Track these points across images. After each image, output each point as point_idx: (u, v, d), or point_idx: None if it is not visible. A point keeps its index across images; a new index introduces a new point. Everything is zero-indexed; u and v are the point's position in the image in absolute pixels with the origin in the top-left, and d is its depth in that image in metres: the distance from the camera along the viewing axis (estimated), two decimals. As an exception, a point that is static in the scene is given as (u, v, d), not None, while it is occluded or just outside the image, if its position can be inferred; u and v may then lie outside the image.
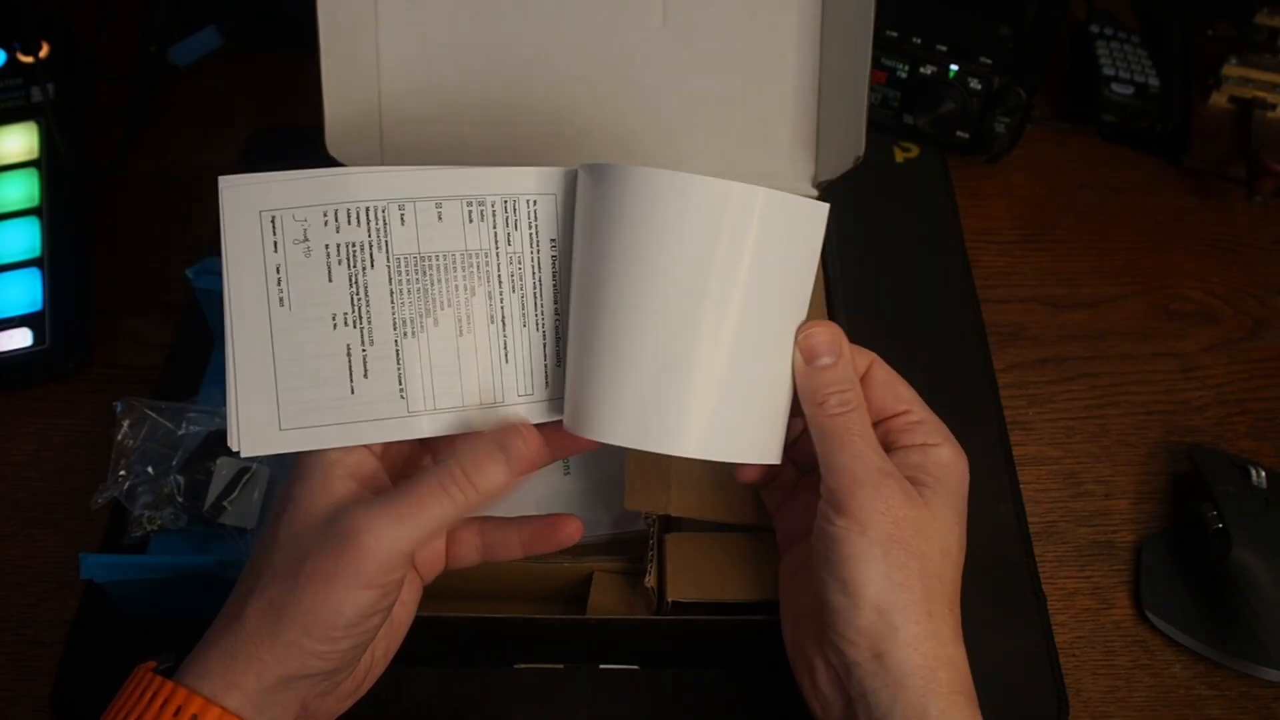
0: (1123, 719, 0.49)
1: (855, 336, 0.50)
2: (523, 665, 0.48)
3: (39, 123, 0.66)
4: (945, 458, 0.40)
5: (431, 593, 0.47)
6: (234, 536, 0.50)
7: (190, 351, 0.59)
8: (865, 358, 0.41)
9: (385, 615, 0.37)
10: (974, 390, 0.60)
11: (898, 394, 0.41)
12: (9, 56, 0.69)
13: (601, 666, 0.48)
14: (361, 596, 0.35)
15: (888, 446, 0.40)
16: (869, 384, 0.41)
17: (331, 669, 0.36)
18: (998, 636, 0.50)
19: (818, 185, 0.56)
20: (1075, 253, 0.67)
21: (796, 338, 0.39)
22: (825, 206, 0.38)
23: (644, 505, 0.44)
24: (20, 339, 0.58)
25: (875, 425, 0.40)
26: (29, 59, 0.68)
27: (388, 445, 0.39)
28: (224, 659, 0.35)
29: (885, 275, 0.64)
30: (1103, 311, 0.64)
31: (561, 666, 0.48)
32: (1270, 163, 0.67)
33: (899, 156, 0.71)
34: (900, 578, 0.36)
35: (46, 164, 0.64)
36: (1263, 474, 0.53)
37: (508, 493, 0.38)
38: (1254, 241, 0.68)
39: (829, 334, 0.39)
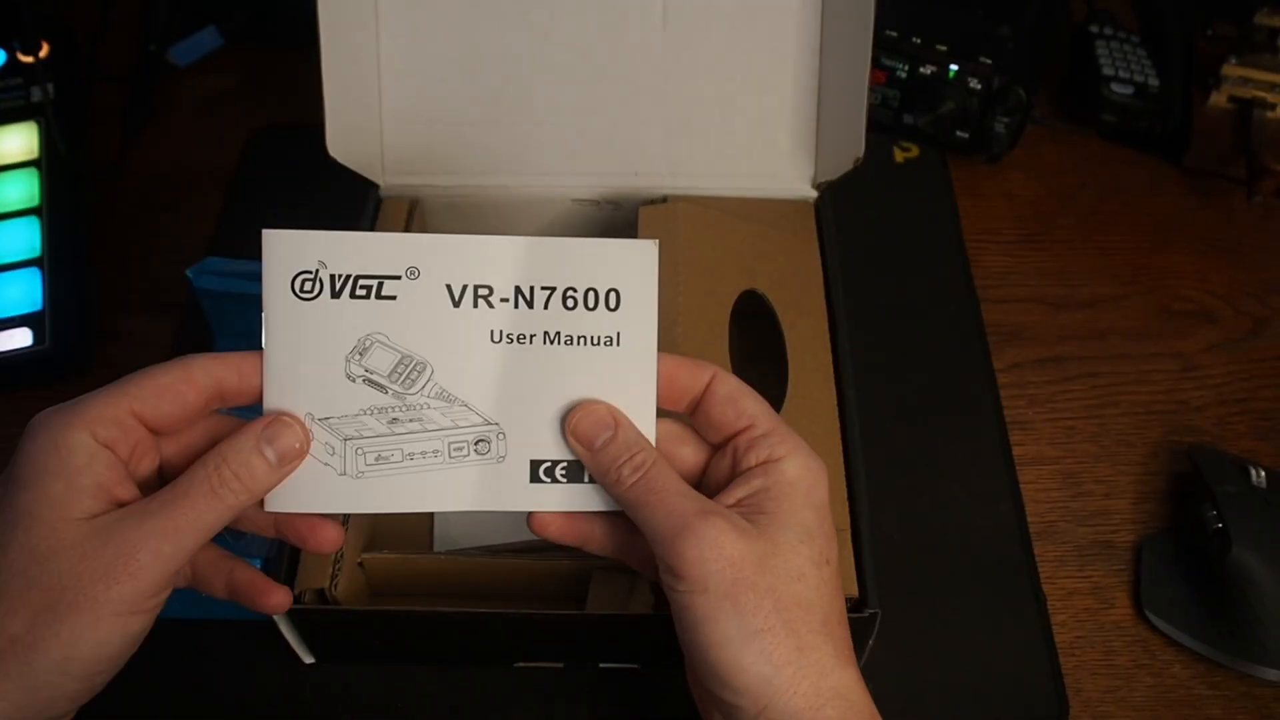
0: (1123, 719, 0.49)
1: (856, 336, 0.50)
2: (523, 665, 0.48)
3: (39, 123, 0.66)
4: (789, 473, 0.37)
5: (430, 591, 0.47)
6: (233, 536, 0.50)
7: (190, 351, 0.58)
8: (705, 372, 0.38)
9: (142, 639, 0.34)
10: (974, 390, 0.60)
11: (739, 409, 0.38)
12: (9, 56, 0.69)
13: (601, 666, 0.48)
14: (133, 623, 0.33)
15: (734, 468, 0.37)
16: (709, 402, 0.38)
17: (75, 708, 0.33)
18: (998, 637, 0.50)
19: (817, 186, 0.56)
20: (1075, 253, 0.67)
21: (565, 428, 0.37)
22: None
23: None
24: (20, 339, 0.58)
25: (723, 445, 0.38)
26: (29, 59, 0.68)
27: (130, 445, 0.35)
28: None
29: (885, 275, 0.64)
30: (1103, 311, 0.64)
31: (561, 666, 0.48)
32: (1270, 163, 0.67)
33: (899, 156, 0.71)
34: (757, 623, 0.34)
35: (46, 164, 0.64)
36: (1263, 474, 0.53)
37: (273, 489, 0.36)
38: (1254, 241, 0.68)
39: (594, 414, 0.37)
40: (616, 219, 0.57)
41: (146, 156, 0.70)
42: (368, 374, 0.37)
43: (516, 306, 0.37)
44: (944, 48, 0.67)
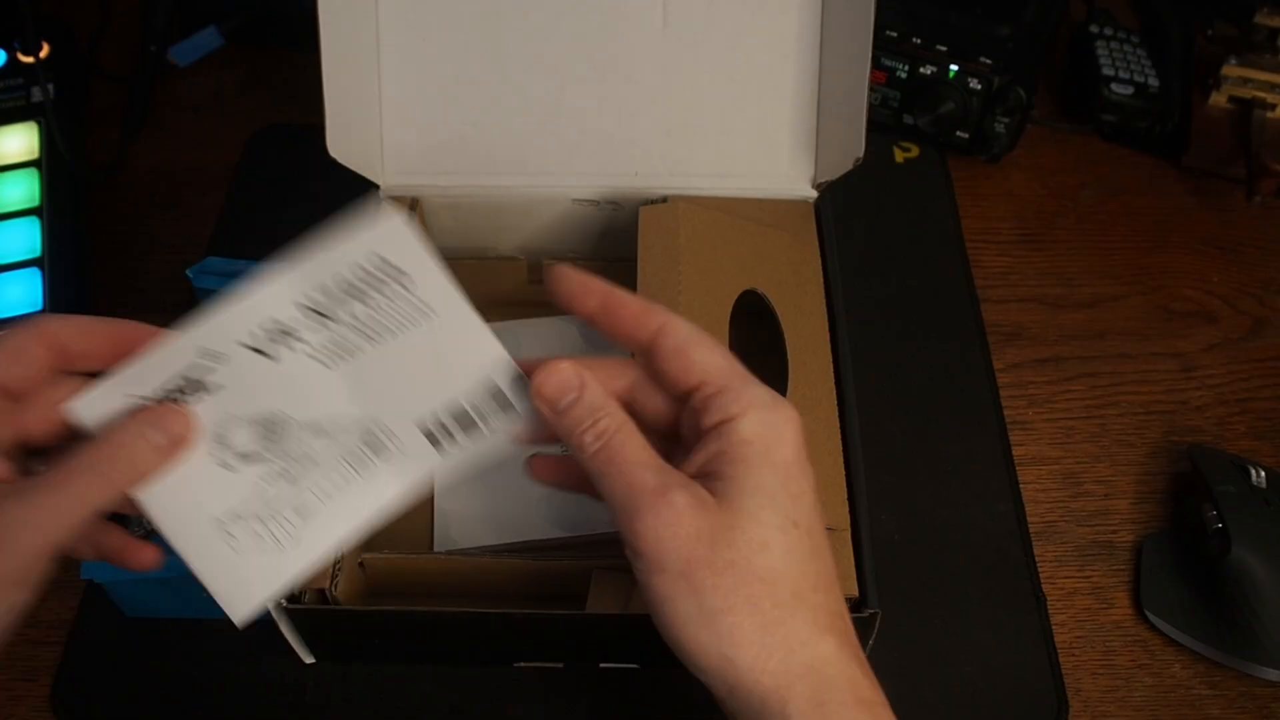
0: (1123, 719, 0.49)
1: (856, 336, 0.50)
2: (523, 664, 0.48)
3: (39, 123, 0.66)
4: (743, 432, 0.34)
5: (431, 592, 0.47)
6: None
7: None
8: (652, 320, 0.35)
9: (26, 611, 0.34)
10: (974, 390, 0.60)
11: (688, 363, 0.35)
12: (9, 56, 0.69)
13: (601, 665, 0.48)
14: (15, 599, 0.33)
15: (694, 434, 0.35)
16: (657, 355, 0.35)
17: None
18: (998, 636, 0.50)
19: (817, 186, 0.56)
20: (1075, 252, 0.67)
21: (531, 389, 0.36)
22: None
23: None
24: (20, 339, 0.58)
25: (683, 405, 0.36)
26: (29, 59, 0.68)
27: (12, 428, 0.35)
28: None
29: (885, 275, 0.64)
30: (1103, 311, 0.64)
31: (561, 666, 0.48)
32: (1270, 163, 0.67)
33: (899, 156, 0.71)
34: (716, 602, 0.32)
35: (46, 164, 0.64)
36: (1262, 474, 0.53)
37: (160, 474, 0.36)
38: (1254, 241, 0.68)
39: (559, 375, 0.35)
40: (616, 219, 0.57)
41: (146, 156, 0.70)
42: (239, 454, 0.37)
43: (320, 327, 0.37)
44: (944, 48, 0.67)
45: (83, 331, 0.36)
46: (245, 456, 0.38)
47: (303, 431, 0.38)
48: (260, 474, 0.38)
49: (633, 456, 0.34)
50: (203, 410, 0.37)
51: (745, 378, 0.35)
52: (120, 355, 0.36)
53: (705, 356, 0.35)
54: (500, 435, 0.39)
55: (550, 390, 0.35)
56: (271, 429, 0.38)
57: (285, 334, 0.37)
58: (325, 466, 0.38)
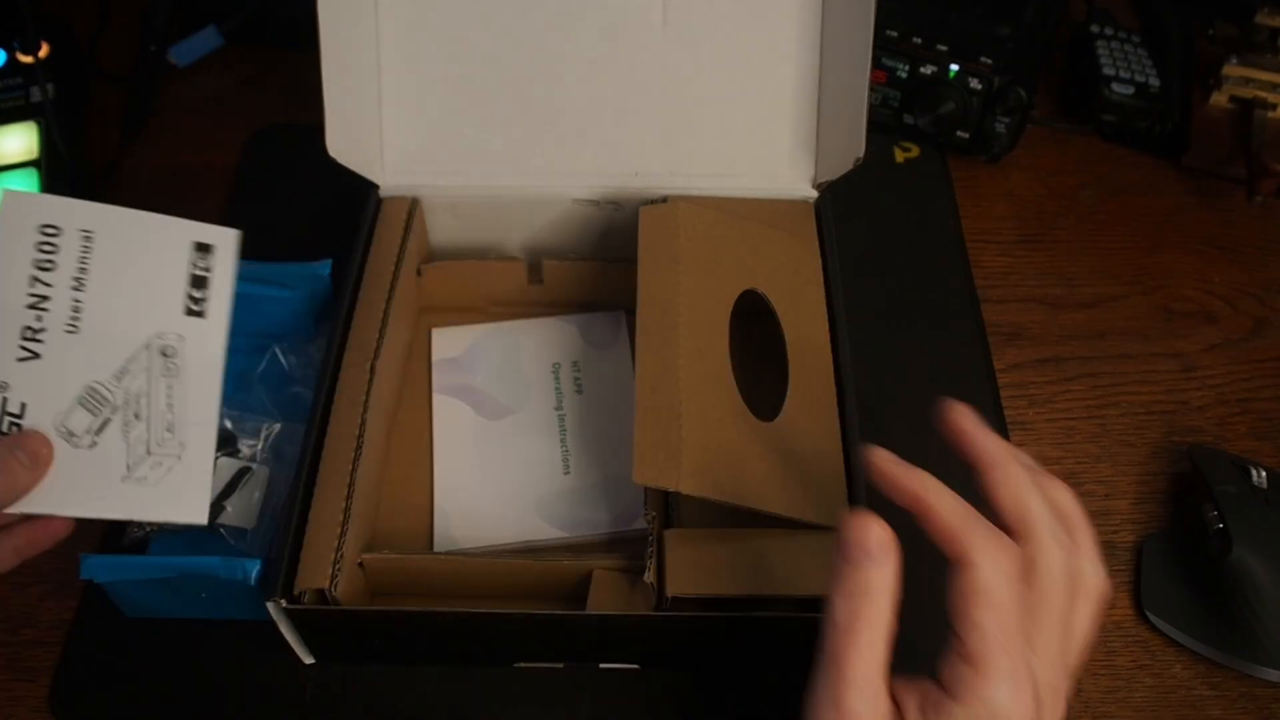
0: (1123, 719, 0.49)
1: (856, 336, 0.50)
2: (523, 664, 0.48)
3: (39, 123, 0.66)
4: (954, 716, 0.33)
5: (430, 592, 0.47)
6: (234, 536, 0.50)
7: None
8: (957, 549, 0.35)
9: None
10: (974, 390, 0.60)
11: (964, 614, 0.34)
12: (9, 56, 0.69)
13: (602, 666, 0.48)
14: None
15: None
16: (947, 583, 0.35)
17: None
18: (998, 636, 0.50)
19: (817, 186, 0.56)
20: (1075, 253, 0.67)
21: (842, 519, 0.35)
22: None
23: (653, 479, 0.43)
24: (20, 339, 0.58)
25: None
26: (29, 59, 0.68)
27: None
28: None
29: (885, 275, 0.64)
30: (1103, 311, 0.64)
31: (561, 666, 0.48)
32: (1270, 163, 0.67)
33: (899, 156, 0.71)
34: None
35: (46, 164, 0.64)
36: (1263, 474, 0.53)
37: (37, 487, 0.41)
38: (1254, 241, 0.68)
39: (872, 532, 0.35)
40: (616, 219, 0.57)
41: (146, 156, 0.70)
42: (90, 430, 0.44)
43: (47, 309, 0.44)
44: (944, 48, 0.67)
45: (20, 542, 0.43)
46: (96, 428, 0.43)
47: (113, 381, 0.44)
48: (117, 429, 0.44)
49: (863, 664, 0.34)
50: (37, 422, 0.43)
51: (1001, 655, 0.34)
52: (36, 548, 0.44)
53: (980, 618, 0.34)
54: (228, 264, 0.47)
55: (849, 536, 0.35)
56: (93, 397, 0.44)
57: (30, 330, 0.44)
58: (150, 388, 0.45)
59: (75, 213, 0.46)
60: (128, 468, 0.43)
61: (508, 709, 0.47)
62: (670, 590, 0.43)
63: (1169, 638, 0.51)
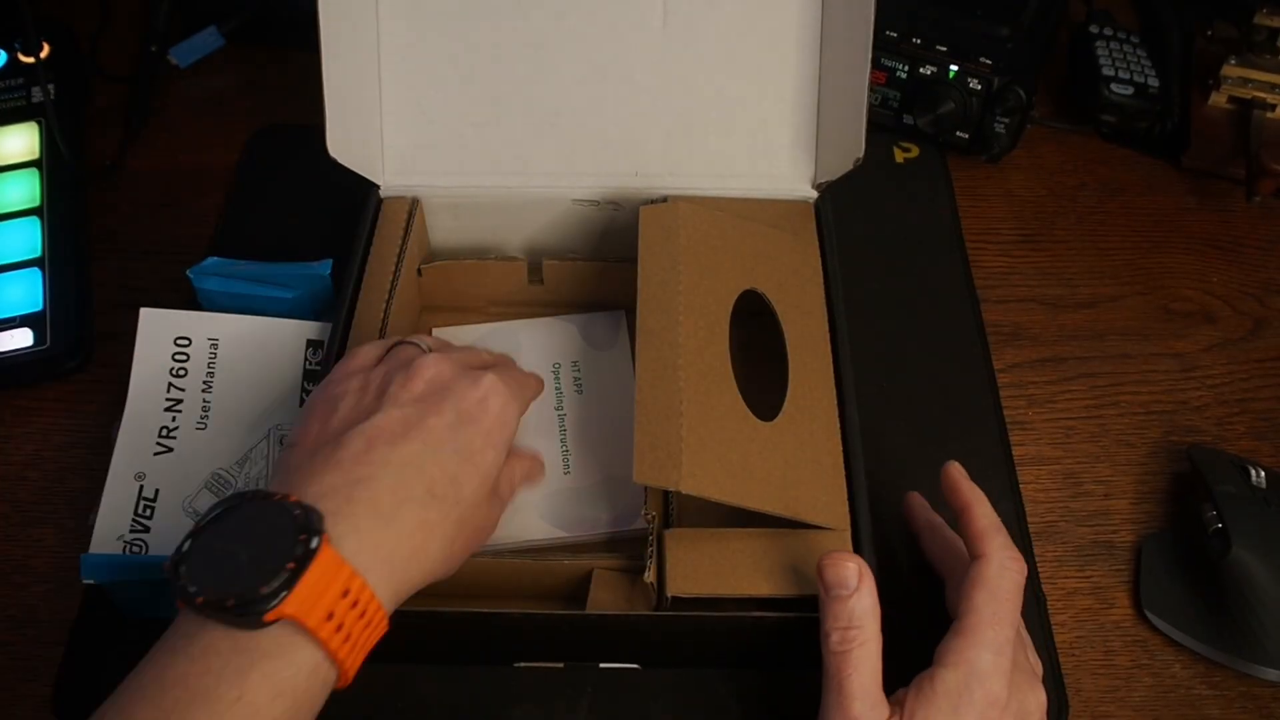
0: (1122, 719, 0.49)
1: (856, 336, 0.50)
2: (523, 664, 0.48)
3: (39, 123, 0.66)
4: (940, 683, 0.40)
5: (430, 591, 0.47)
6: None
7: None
8: (979, 547, 0.43)
9: None
10: (974, 390, 0.60)
11: (968, 596, 0.42)
12: (9, 56, 0.69)
13: (602, 666, 0.48)
14: None
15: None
16: (965, 577, 0.43)
17: None
18: (997, 636, 0.50)
19: (817, 186, 0.56)
20: (1075, 253, 0.67)
21: (818, 566, 0.41)
22: None
23: (653, 479, 0.43)
24: (20, 339, 0.58)
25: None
26: (29, 59, 0.68)
27: None
28: None
29: (885, 275, 0.64)
30: (1102, 311, 0.64)
31: (561, 666, 0.48)
32: (1269, 163, 0.67)
33: (899, 156, 0.71)
34: None
35: (47, 164, 0.64)
36: (1262, 474, 0.53)
37: None
38: (1254, 241, 0.68)
39: (843, 568, 0.41)
40: (616, 219, 0.57)
41: (146, 156, 0.70)
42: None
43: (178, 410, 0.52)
44: (944, 48, 0.67)
45: None
46: None
47: (235, 468, 0.50)
48: None
49: (860, 679, 0.40)
50: (168, 505, 0.49)
51: (989, 628, 0.41)
52: None
53: (978, 600, 0.41)
54: None
55: (829, 576, 0.41)
56: (218, 481, 0.50)
57: (165, 429, 0.51)
58: (269, 471, 0.50)
59: (204, 324, 0.53)
60: None
61: (508, 709, 0.47)
62: (670, 590, 0.43)
63: (1168, 637, 0.51)
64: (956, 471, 0.46)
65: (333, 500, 0.36)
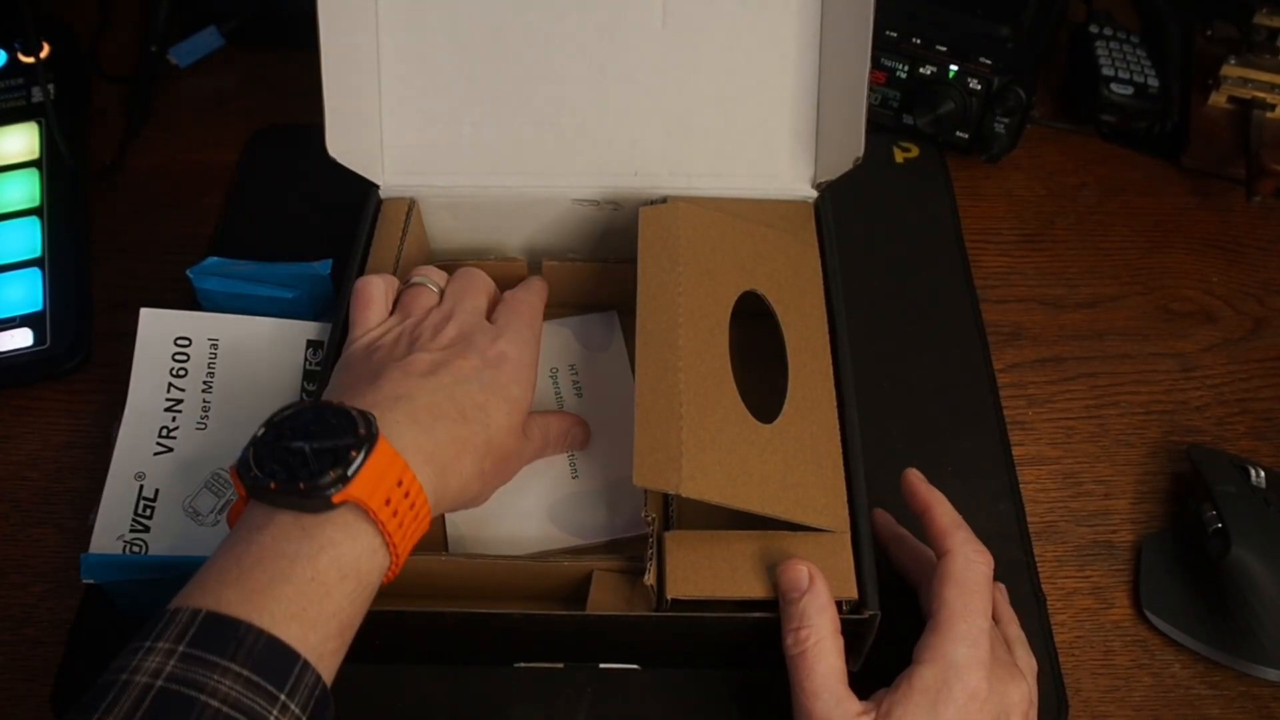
0: (1122, 719, 0.49)
1: (856, 336, 0.50)
2: (523, 665, 0.48)
3: (39, 123, 0.66)
4: (918, 680, 0.40)
5: (429, 591, 0.47)
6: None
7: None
8: (944, 544, 0.44)
9: None
10: (974, 390, 0.60)
11: (939, 593, 0.42)
12: (9, 56, 0.69)
13: (601, 666, 0.48)
14: None
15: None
16: (935, 576, 0.43)
17: None
18: (997, 636, 0.50)
19: (817, 186, 0.56)
20: (1075, 253, 0.67)
21: (777, 572, 0.43)
22: None
23: (653, 482, 0.43)
24: (20, 339, 0.58)
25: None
26: (29, 59, 0.68)
27: None
28: None
29: (885, 275, 0.64)
30: (1102, 311, 0.64)
31: (561, 666, 0.48)
32: (1270, 163, 0.67)
33: (899, 156, 0.71)
34: None
35: (47, 164, 0.64)
36: (1262, 474, 0.53)
37: None
38: (1254, 241, 0.68)
39: (793, 572, 0.42)
40: (616, 219, 0.57)
41: (146, 156, 0.71)
42: None
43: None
44: (944, 48, 0.67)
45: None
46: (219, 508, 0.49)
47: None
48: None
49: (817, 677, 0.41)
50: (168, 504, 0.49)
51: (964, 624, 0.41)
52: None
53: (949, 596, 0.42)
54: None
55: (782, 582, 0.42)
56: (218, 481, 0.50)
57: (165, 429, 0.51)
58: None
59: (204, 324, 0.53)
60: None
61: (508, 709, 0.48)
62: (670, 592, 0.43)
63: (1168, 637, 0.51)
64: (914, 476, 0.47)
65: (377, 410, 0.40)
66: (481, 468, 0.43)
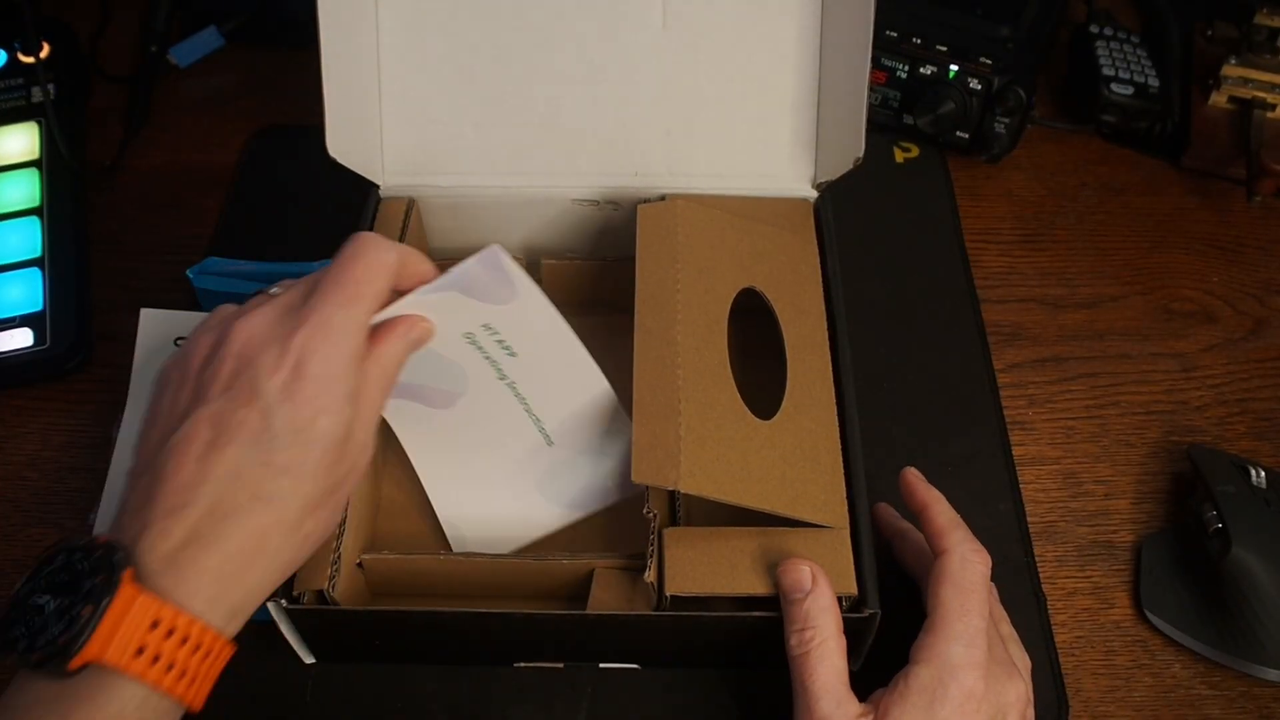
0: (1122, 719, 0.49)
1: (855, 336, 0.50)
2: (523, 664, 0.48)
3: (39, 123, 0.66)
4: (915, 680, 0.40)
5: (429, 591, 0.47)
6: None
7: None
8: (941, 543, 0.44)
9: None
10: (974, 390, 0.60)
11: (936, 594, 0.42)
12: (9, 56, 0.69)
13: (601, 666, 0.48)
14: None
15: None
16: (931, 573, 0.43)
17: None
18: (997, 636, 0.50)
19: (817, 186, 0.56)
20: (1075, 253, 0.67)
21: (778, 571, 0.43)
22: None
23: (652, 478, 0.43)
24: (20, 339, 0.58)
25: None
26: (29, 59, 0.68)
27: None
28: None
29: (885, 275, 0.64)
30: (1102, 311, 0.64)
31: (561, 666, 0.48)
32: (1269, 163, 0.67)
33: (899, 156, 0.71)
34: None
35: (47, 164, 0.64)
36: (1262, 474, 0.53)
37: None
38: (1254, 241, 0.68)
39: (796, 572, 0.42)
40: (616, 219, 0.57)
41: (146, 156, 0.71)
42: None
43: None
44: (944, 48, 0.67)
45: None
46: None
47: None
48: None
49: (820, 678, 0.41)
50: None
51: (960, 626, 0.41)
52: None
53: (945, 595, 0.42)
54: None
55: (785, 583, 0.42)
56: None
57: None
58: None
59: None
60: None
61: (508, 709, 0.48)
62: (669, 589, 0.43)
63: (1168, 637, 0.51)
64: (913, 475, 0.47)
65: (148, 537, 0.35)
66: (300, 532, 0.37)
